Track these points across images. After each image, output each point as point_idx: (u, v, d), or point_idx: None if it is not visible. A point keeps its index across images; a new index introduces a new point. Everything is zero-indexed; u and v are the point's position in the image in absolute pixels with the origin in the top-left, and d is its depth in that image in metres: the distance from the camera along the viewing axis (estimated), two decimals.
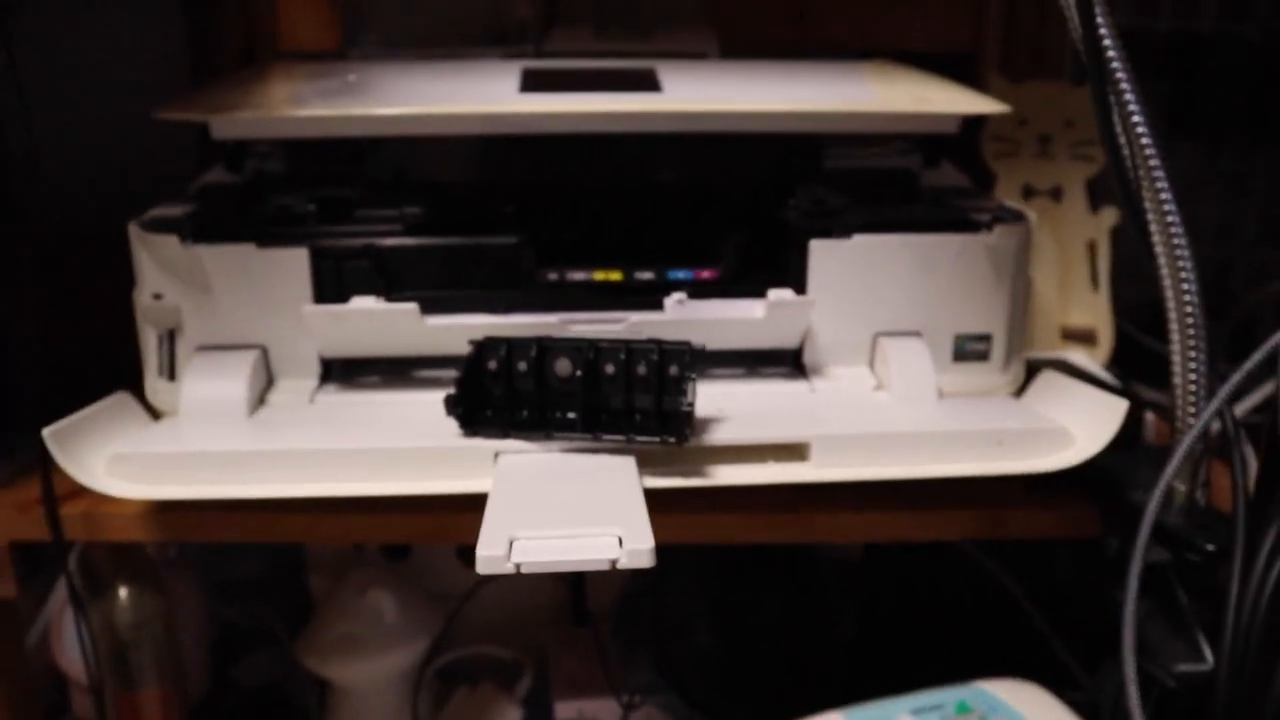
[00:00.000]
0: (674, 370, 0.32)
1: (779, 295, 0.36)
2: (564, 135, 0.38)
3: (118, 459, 0.32)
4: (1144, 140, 0.31)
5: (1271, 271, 0.64)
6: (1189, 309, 0.31)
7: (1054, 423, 0.35)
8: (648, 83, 0.39)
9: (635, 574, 0.54)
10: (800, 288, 0.37)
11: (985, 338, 0.38)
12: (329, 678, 0.52)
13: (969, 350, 0.39)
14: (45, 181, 0.48)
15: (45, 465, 0.34)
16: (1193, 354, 0.32)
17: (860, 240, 0.37)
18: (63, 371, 0.38)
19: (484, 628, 0.57)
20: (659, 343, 0.32)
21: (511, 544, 0.26)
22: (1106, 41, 0.31)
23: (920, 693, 0.36)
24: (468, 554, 0.25)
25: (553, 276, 0.37)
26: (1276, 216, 0.64)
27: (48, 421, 0.32)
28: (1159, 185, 0.31)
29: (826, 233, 0.37)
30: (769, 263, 0.38)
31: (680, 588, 0.53)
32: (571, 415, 0.32)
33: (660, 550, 0.26)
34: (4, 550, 0.38)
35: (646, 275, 0.37)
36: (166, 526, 0.37)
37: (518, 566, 0.25)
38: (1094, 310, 0.50)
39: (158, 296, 0.36)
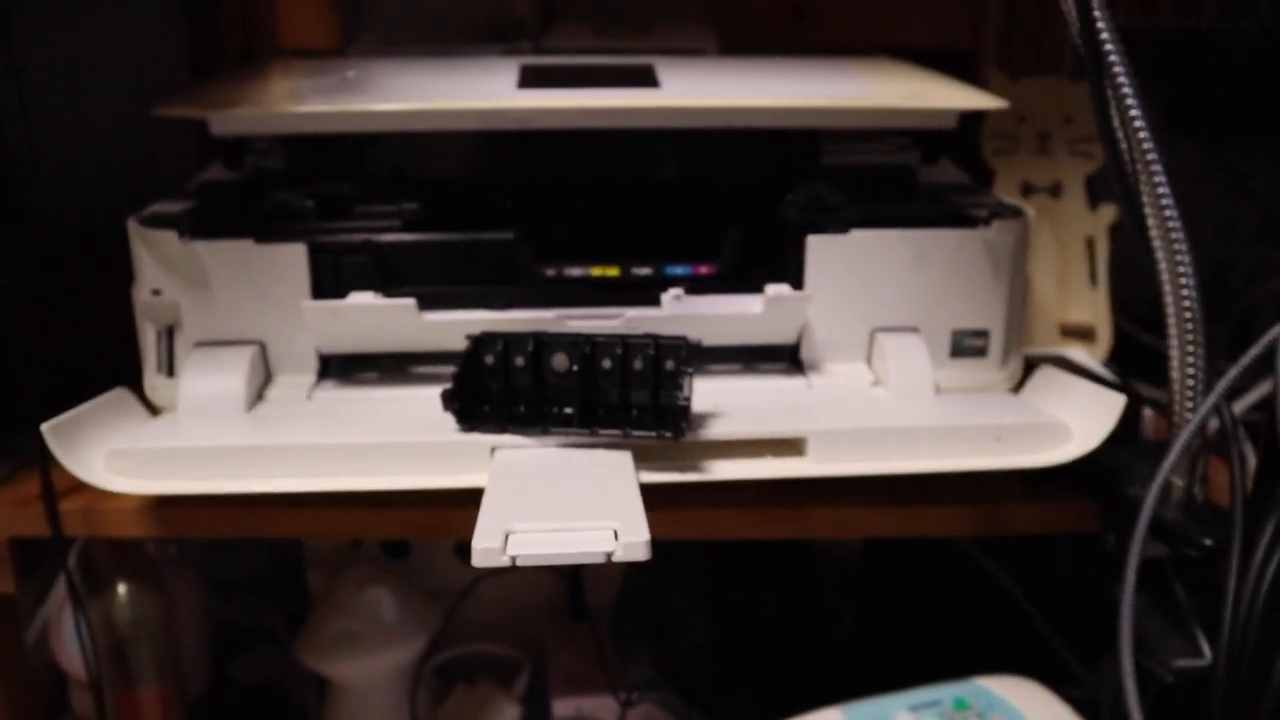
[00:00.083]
0: (670, 365, 0.32)
1: (776, 291, 0.36)
2: (562, 131, 0.38)
3: (116, 454, 0.32)
4: (1142, 136, 0.31)
5: (1271, 270, 0.64)
6: (1187, 304, 0.31)
7: (1051, 418, 0.35)
8: (645, 79, 0.39)
9: (633, 571, 0.55)
10: (798, 283, 0.37)
11: (983, 333, 0.38)
12: (327, 675, 0.52)
13: (967, 346, 0.39)
14: (46, 181, 0.48)
15: (44, 461, 0.34)
16: (1190, 349, 0.32)
17: (858, 236, 0.37)
18: (63, 369, 0.38)
19: (482, 625, 0.57)
20: (655, 338, 0.32)
21: (507, 537, 0.26)
22: (1104, 36, 0.31)
23: (918, 689, 0.36)
24: (466, 550, 0.25)
25: (550, 272, 0.37)
26: (1276, 215, 0.64)
27: (48, 419, 0.32)
28: (1157, 181, 0.31)
29: (824, 228, 0.37)
30: (767, 258, 0.38)
31: (678, 585, 0.53)
32: (568, 410, 0.32)
33: (658, 547, 0.26)
34: (3, 546, 0.38)
35: (644, 271, 0.37)
36: (165, 522, 0.37)
37: (513, 559, 0.25)
38: (1092, 307, 0.50)
39: (156, 292, 0.36)
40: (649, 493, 0.29)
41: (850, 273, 0.37)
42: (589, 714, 0.53)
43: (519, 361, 0.32)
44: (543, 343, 0.32)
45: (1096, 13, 0.30)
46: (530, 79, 0.39)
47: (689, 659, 0.52)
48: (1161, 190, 0.31)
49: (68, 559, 0.41)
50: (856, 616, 0.54)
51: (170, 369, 0.37)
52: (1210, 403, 0.31)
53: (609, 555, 0.25)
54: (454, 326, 0.34)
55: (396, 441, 0.33)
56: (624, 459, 0.32)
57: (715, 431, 0.33)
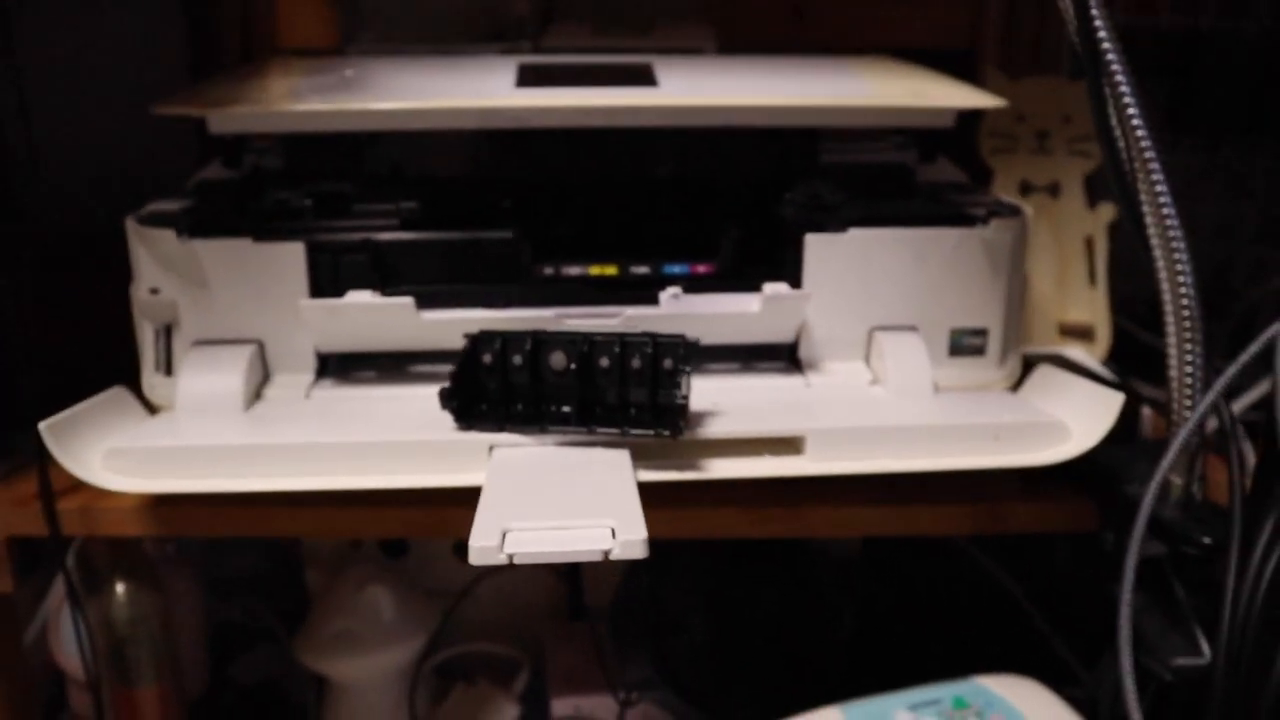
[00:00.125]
0: (668, 363, 0.32)
1: (774, 289, 0.36)
2: (560, 130, 0.38)
3: (114, 453, 0.32)
4: (1140, 135, 0.31)
5: (1271, 269, 0.64)
6: (1185, 302, 0.31)
7: (1050, 416, 0.35)
8: (644, 78, 0.39)
9: (632, 570, 0.54)
10: (796, 282, 0.37)
11: (981, 332, 0.38)
12: (326, 674, 0.52)
13: (965, 345, 0.38)
14: (45, 181, 0.48)
15: (42, 459, 0.34)
16: (1188, 347, 0.32)
17: (856, 234, 0.37)
18: (62, 368, 0.38)
19: (481, 624, 0.57)
20: (653, 336, 0.32)
21: (504, 535, 0.26)
22: (1102, 34, 0.31)
23: (917, 688, 0.36)
24: (465, 549, 0.25)
25: (548, 271, 0.37)
26: (1276, 214, 0.64)
27: (47, 418, 0.32)
28: (1155, 180, 0.31)
29: (822, 227, 0.37)
30: (765, 257, 0.38)
31: (677, 584, 0.53)
32: (566, 409, 0.32)
33: (657, 546, 0.26)
34: (1, 545, 0.38)
35: (642, 270, 0.37)
36: (163, 521, 0.37)
37: (510, 557, 0.25)
38: (1091, 306, 0.50)
39: (154, 291, 0.36)
40: (647, 491, 0.29)
41: (848, 271, 0.37)
42: (588, 713, 0.52)
43: (517, 360, 0.32)
44: (540, 341, 0.32)
45: (1094, 11, 0.30)
46: (528, 78, 0.39)
47: (688, 658, 0.52)
48: (1159, 189, 0.31)
49: (66, 558, 0.41)
50: (856, 616, 0.54)
51: (168, 368, 0.37)
52: (1209, 401, 0.31)
53: (606, 553, 0.25)
54: (452, 325, 0.34)
55: (394, 440, 0.33)
56: (622, 457, 0.32)
57: (713, 430, 0.33)
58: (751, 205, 0.39)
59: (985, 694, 0.35)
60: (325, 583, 0.54)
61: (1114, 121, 0.31)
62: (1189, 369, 0.32)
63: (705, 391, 0.35)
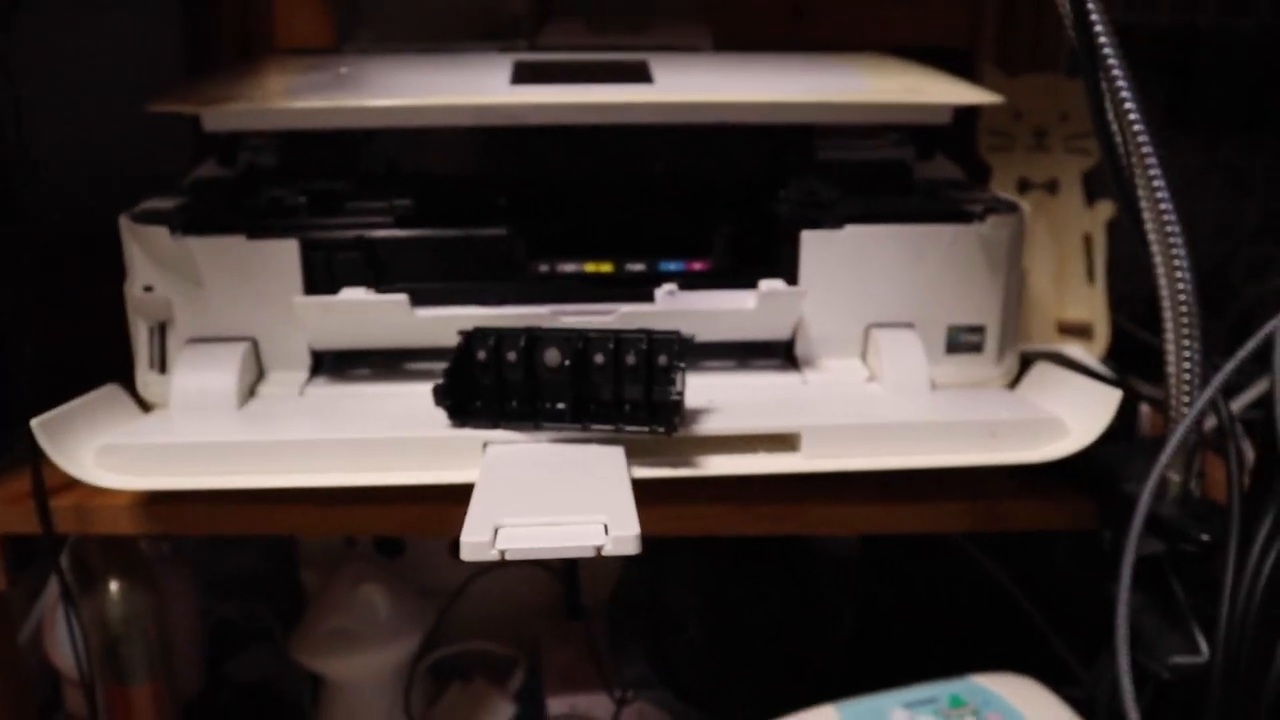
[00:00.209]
0: (663, 360, 0.31)
1: (770, 286, 0.36)
2: (555, 127, 0.38)
3: (106, 450, 0.32)
4: (1137, 131, 0.31)
5: (1271, 267, 0.64)
6: (1183, 299, 0.31)
7: (1047, 413, 0.34)
8: (639, 74, 0.39)
9: (629, 568, 0.54)
10: (792, 279, 0.37)
11: (979, 329, 0.38)
12: (322, 673, 0.52)
13: (962, 342, 0.38)
14: (42, 180, 0.48)
15: (35, 457, 0.34)
16: (1186, 343, 0.31)
17: (852, 231, 0.37)
18: (57, 367, 0.38)
19: (477, 623, 0.57)
20: (648, 332, 0.32)
21: (496, 531, 0.26)
22: (1098, 30, 0.30)
23: (914, 686, 0.36)
24: (459, 547, 0.25)
25: (543, 268, 0.37)
26: (1276, 211, 0.64)
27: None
28: (1153, 176, 0.31)
29: (818, 223, 0.37)
30: (761, 254, 0.38)
31: (674, 582, 0.52)
32: (560, 405, 0.32)
33: (654, 544, 0.26)
34: None
35: (637, 267, 0.37)
36: (157, 519, 0.37)
37: (502, 553, 0.25)
38: (1090, 304, 0.50)
39: (148, 289, 0.36)
40: (642, 488, 0.29)
41: (845, 268, 0.37)
42: (584, 712, 0.52)
43: (511, 356, 0.32)
44: (535, 338, 0.32)
45: (1090, 8, 0.30)
46: (523, 75, 0.39)
47: (685, 657, 0.52)
48: (1157, 185, 0.31)
49: (60, 556, 0.41)
50: (854, 614, 0.54)
51: (162, 365, 0.37)
52: (1206, 397, 0.30)
53: (598, 549, 0.25)
54: (446, 322, 0.34)
55: (388, 437, 0.32)
56: (616, 454, 0.31)
57: (708, 427, 0.33)
58: (747, 202, 0.39)
59: (982, 692, 0.35)
60: (321, 581, 0.54)
61: (1112, 118, 0.31)
62: (1187, 366, 0.32)
63: (701, 388, 0.35)
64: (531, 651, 0.57)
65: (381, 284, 0.37)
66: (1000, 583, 0.44)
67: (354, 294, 0.36)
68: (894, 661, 0.46)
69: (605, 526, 0.26)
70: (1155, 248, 0.32)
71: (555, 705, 0.52)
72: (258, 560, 0.59)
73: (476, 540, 0.25)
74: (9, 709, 0.43)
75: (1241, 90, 0.61)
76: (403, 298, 0.35)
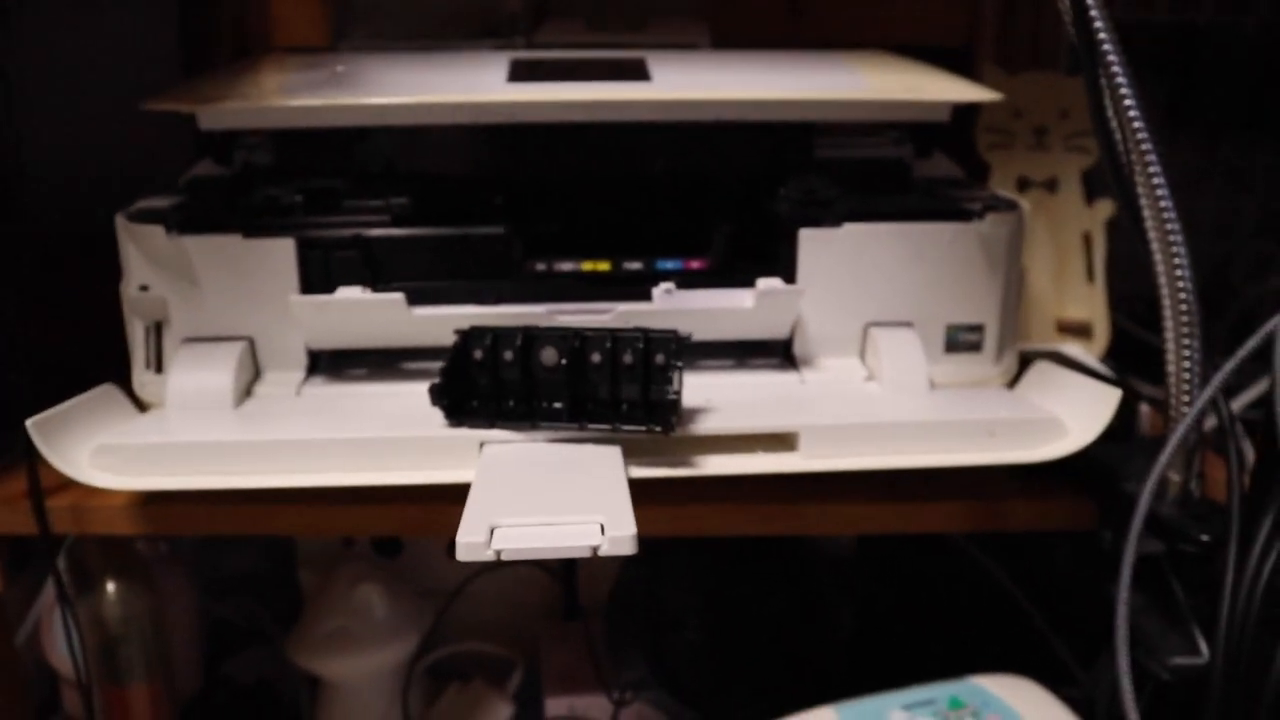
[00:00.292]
0: (660, 359, 0.31)
1: (768, 285, 0.36)
2: (552, 125, 0.38)
3: (102, 450, 0.32)
4: (1137, 129, 0.31)
5: (1271, 266, 0.63)
6: (1183, 298, 0.31)
7: (1047, 412, 0.34)
8: (637, 72, 0.39)
9: (627, 568, 0.54)
10: (790, 277, 0.37)
11: (978, 328, 0.38)
12: (319, 674, 0.52)
13: (961, 341, 0.38)
14: (41, 180, 0.48)
15: (31, 457, 0.33)
16: (1186, 342, 0.31)
17: (850, 229, 0.37)
18: (55, 367, 0.38)
19: (475, 624, 0.57)
20: (645, 331, 0.32)
21: (492, 531, 0.26)
22: (1099, 27, 0.30)
23: (913, 688, 0.35)
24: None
25: (540, 267, 0.37)
26: (1276, 210, 0.64)
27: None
28: (1153, 174, 0.31)
29: (816, 222, 0.37)
30: (759, 253, 0.38)
31: (673, 582, 0.52)
32: (557, 405, 0.32)
33: (652, 544, 0.26)
34: None
35: (635, 265, 0.37)
36: (153, 519, 0.37)
37: (498, 554, 0.25)
38: (1089, 303, 0.50)
39: (144, 288, 0.36)
40: (639, 488, 0.29)
41: (843, 267, 0.37)
42: (582, 713, 0.52)
43: (508, 356, 0.32)
44: (531, 337, 0.32)
45: (1090, 3, 0.30)
46: (520, 73, 0.39)
47: (683, 658, 0.51)
48: (1157, 184, 0.31)
49: (56, 557, 0.40)
50: (853, 614, 0.54)
51: (158, 365, 0.37)
52: (1206, 397, 0.30)
53: (595, 549, 0.25)
54: (443, 321, 0.34)
55: (385, 437, 0.32)
56: (613, 454, 0.31)
57: (706, 426, 0.33)
58: (745, 200, 0.39)
59: (981, 694, 0.35)
60: (318, 582, 0.54)
61: (1111, 116, 0.31)
62: (1187, 365, 0.31)
63: (698, 388, 0.35)
64: (530, 652, 0.57)
65: (378, 283, 0.36)
66: (999, 583, 0.44)
67: (350, 293, 0.36)
68: (893, 662, 0.46)
69: (601, 527, 0.26)
70: (1155, 246, 0.32)
71: (553, 706, 0.52)
72: (255, 560, 0.59)
73: (472, 540, 0.25)
74: (6, 710, 0.43)
75: (1241, 89, 0.61)
76: (399, 297, 0.35)
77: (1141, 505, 0.29)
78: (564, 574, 0.57)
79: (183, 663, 0.52)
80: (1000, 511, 0.37)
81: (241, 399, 0.36)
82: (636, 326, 0.32)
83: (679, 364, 0.31)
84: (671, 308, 0.36)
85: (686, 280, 0.37)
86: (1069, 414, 0.34)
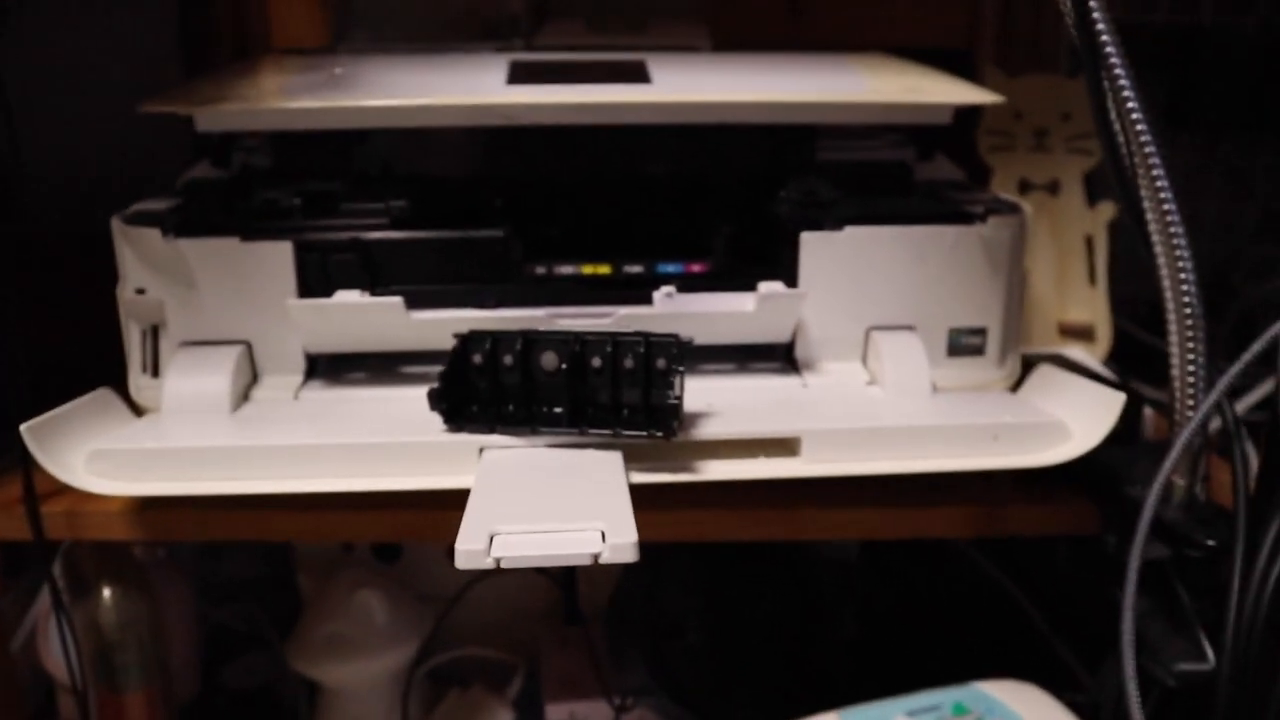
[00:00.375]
0: (661, 363, 0.31)
1: (769, 288, 0.36)
2: (552, 127, 0.37)
3: (97, 455, 0.32)
4: (1140, 130, 0.30)
5: (1272, 268, 0.63)
6: (1187, 300, 0.31)
7: (1050, 417, 0.34)
8: (637, 74, 0.38)
9: (628, 573, 0.54)
10: (791, 281, 0.37)
11: (980, 331, 0.38)
12: (318, 680, 0.52)
13: (964, 344, 0.38)
14: (40, 181, 0.48)
15: (26, 462, 0.33)
16: (1191, 345, 0.31)
17: (852, 232, 0.36)
18: (53, 370, 0.38)
19: (475, 629, 0.56)
20: (646, 335, 0.31)
21: (492, 539, 0.25)
22: (1100, 28, 0.30)
23: (916, 694, 0.35)
24: None
25: (540, 270, 0.37)
26: (1276, 211, 0.63)
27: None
28: (1156, 176, 0.31)
29: (818, 225, 0.36)
30: (760, 256, 0.38)
31: (674, 587, 0.52)
32: (558, 410, 0.32)
33: (653, 549, 0.26)
34: None
35: (635, 269, 0.37)
36: (150, 525, 0.36)
37: (498, 561, 0.25)
38: (1091, 306, 0.50)
39: (140, 291, 0.36)
40: (640, 493, 0.28)
41: (845, 270, 0.37)
42: (583, 718, 0.52)
43: (507, 360, 0.32)
44: (531, 341, 0.32)
45: (1092, 4, 0.30)
46: (520, 75, 0.38)
47: (685, 663, 0.51)
48: (1160, 185, 0.31)
49: (52, 563, 0.40)
50: (855, 619, 0.53)
51: (155, 369, 0.37)
52: (1212, 400, 0.30)
53: (595, 557, 0.25)
54: (442, 325, 0.34)
55: (384, 442, 0.32)
56: (614, 459, 0.31)
57: (707, 431, 0.32)
58: (746, 203, 0.38)
59: (985, 699, 0.35)
60: (317, 587, 0.54)
61: (1114, 118, 0.31)
62: (1191, 368, 0.31)
63: (699, 392, 0.35)
64: (530, 657, 0.56)
65: (377, 286, 0.36)
66: (1001, 586, 0.44)
67: (349, 296, 0.35)
68: (896, 667, 0.46)
69: (602, 534, 0.26)
70: (1159, 249, 0.31)
71: (554, 712, 0.52)
72: (254, 565, 0.58)
73: (472, 548, 0.25)
74: (2, 716, 0.43)
75: (1241, 90, 0.60)
76: (398, 300, 0.35)
77: (1147, 510, 0.29)
78: (564, 579, 0.56)
79: (180, 668, 0.51)
80: (1002, 516, 0.37)
81: (239, 403, 0.36)
82: (637, 330, 0.32)
83: (680, 368, 0.31)
84: (672, 311, 0.35)
85: (687, 284, 0.37)
86: (1073, 418, 0.34)
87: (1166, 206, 0.31)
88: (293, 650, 0.51)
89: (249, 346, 0.36)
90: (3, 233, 0.47)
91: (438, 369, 0.32)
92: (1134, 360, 0.48)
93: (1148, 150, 0.30)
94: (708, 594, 0.52)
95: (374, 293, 0.36)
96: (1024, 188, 0.51)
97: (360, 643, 0.51)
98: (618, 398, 0.32)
